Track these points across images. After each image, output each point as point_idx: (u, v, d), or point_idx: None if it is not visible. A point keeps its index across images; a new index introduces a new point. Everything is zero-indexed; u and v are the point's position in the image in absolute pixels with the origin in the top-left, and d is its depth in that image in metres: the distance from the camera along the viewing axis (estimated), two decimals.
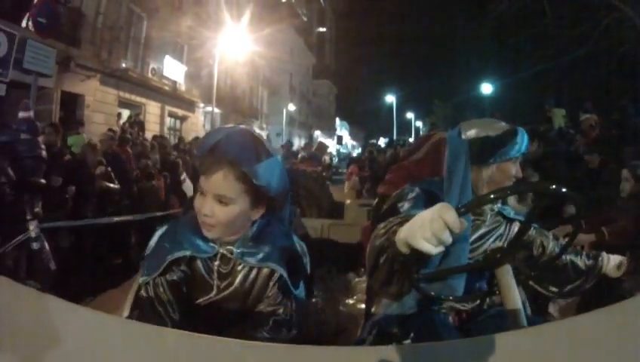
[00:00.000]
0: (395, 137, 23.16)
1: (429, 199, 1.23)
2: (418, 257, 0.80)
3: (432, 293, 1.10)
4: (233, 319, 1.09)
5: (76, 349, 0.75)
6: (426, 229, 0.73)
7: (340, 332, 1.66)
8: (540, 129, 6.05)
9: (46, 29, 5.22)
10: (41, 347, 0.74)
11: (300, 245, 1.17)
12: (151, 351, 0.76)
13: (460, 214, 0.74)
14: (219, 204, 1.01)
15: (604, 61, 12.85)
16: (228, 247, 1.09)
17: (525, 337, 0.79)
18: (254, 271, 1.09)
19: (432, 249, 0.73)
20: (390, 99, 35.81)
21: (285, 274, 1.07)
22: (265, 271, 1.09)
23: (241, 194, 1.02)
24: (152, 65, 12.60)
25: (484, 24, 14.74)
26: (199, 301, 1.10)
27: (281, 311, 1.07)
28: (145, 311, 1.04)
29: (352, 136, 41.70)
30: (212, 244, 1.09)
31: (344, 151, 17.32)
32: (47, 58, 5.09)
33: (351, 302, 1.86)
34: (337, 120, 40.13)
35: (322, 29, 41.20)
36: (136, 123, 10.70)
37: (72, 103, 9.68)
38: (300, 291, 1.14)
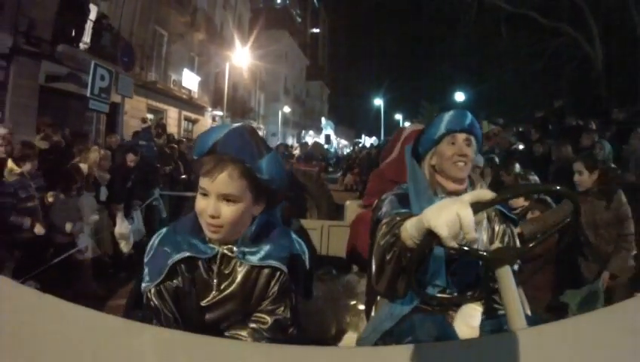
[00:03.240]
0: (382, 137, 24.80)
1: (403, 199, 1.27)
2: (423, 252, 0.86)
3: (429, 293, 1.17)
4: (234, 318, 1.09)
5: (76, 349, 0.74)
6: (451, 211, 0.78)
7: (340, 332, 1.66)
8: None
9: (127, 65, 7.59)
10: (41, 347, 0.73)
11: (298, 243, 1.15)
12: (151, 351, 0.76)
13: (478, 210, 0.80)
14: (226, 203, 0.99)
15: (552, 77, 14.99)
16: (228, 246, 1.06)
17: (525, 337, 0.76)
18: (255, 270, 1.06)
19: (449, 237, 0.78)
20: (379, 100, 36.08)
21: (286, 271, 1.06)
22: (266, 270, 1.06)
23: (245, 191, 1.00)
24: (173, 77, 14.67)
25: (454, 40, 17.14)
26: (201, 303, 1.08)
27: (281, 309, 1.07)
28: (148, 318, 1.05)
29: (339, 135, 40.81)
30: (211, 245, 1.06)
31: (331, 150, 18.56)
32: (129, 85, 7.45)
33: (351, 302, 1.84)
34: (323, 119, 39.44)
35: (316, 30, 41.64)
36: (160, 126, 12.85)
37: (113, 111, 11.84)
38: (301, 288, 1.15)
